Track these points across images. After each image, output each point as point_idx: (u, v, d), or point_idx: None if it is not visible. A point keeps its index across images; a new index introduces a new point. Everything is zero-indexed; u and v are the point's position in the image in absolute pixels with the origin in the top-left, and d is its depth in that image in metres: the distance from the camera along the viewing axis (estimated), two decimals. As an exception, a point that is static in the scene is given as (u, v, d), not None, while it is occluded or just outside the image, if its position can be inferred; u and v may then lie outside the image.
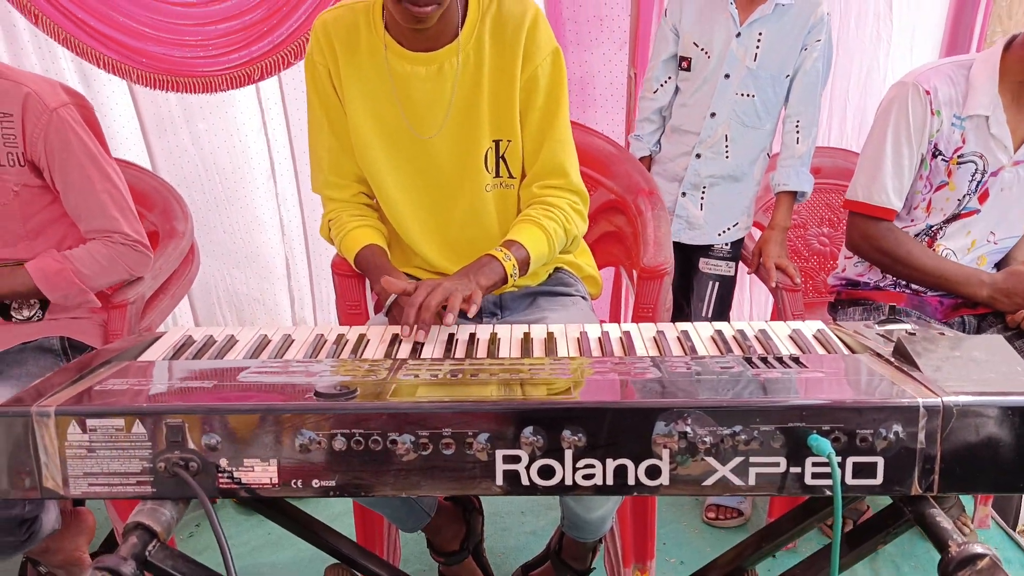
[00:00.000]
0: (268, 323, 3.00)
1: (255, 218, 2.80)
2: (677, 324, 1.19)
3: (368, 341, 1.20)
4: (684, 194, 2.05)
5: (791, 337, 1.12)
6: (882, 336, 1.06)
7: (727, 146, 1.97)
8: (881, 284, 1.80)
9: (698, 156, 2.00)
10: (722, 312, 2.12)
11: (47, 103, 1.50)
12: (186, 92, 2.27)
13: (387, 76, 1.38)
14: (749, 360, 0.98)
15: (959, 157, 1.65)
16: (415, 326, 1.18)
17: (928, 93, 1.62)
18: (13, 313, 1.60)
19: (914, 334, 1.03)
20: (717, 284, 2.08)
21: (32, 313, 1.62)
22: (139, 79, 2.26)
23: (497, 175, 1.44)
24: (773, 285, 1.99)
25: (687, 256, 2.07)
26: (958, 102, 1.63)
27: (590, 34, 2.24)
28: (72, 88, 1.61)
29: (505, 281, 1.34)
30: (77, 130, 1.54)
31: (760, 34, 1.89)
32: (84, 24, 2.16)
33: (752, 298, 2.66)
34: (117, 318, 1.70)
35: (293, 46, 2.18)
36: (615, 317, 2.50)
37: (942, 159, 1.66)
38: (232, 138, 2.64)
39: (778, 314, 2.01)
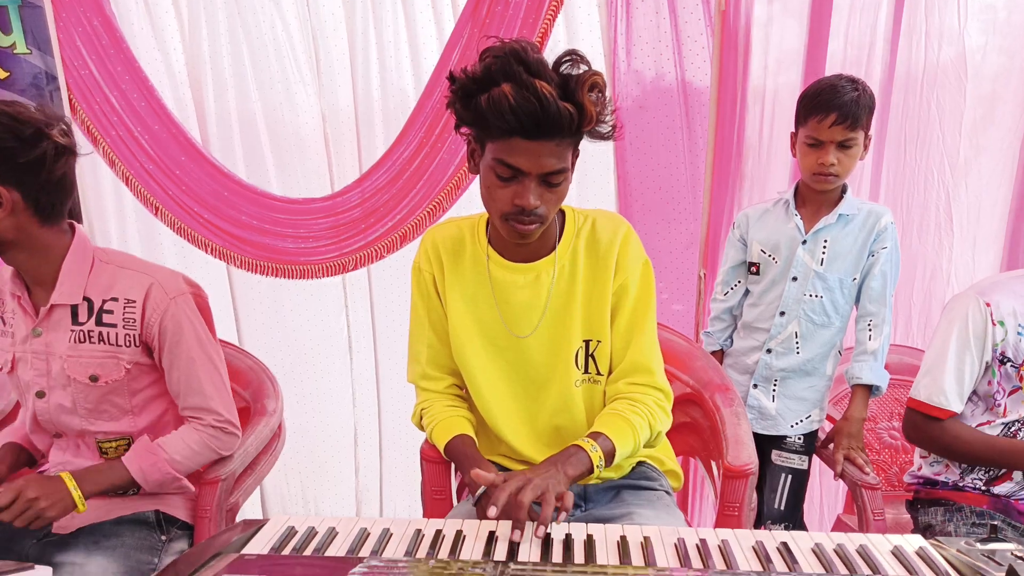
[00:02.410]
0: (330, 490, 3.01)
1: (327, 391, 2.88)
2: (775, 533, 1.17)
3: (465, 538, 1.20)
4: (756, 386, 2.06)
5: (893, 554, 1.09)
6: (989, 558, 1.04)
7: (797, 342, 2.00)
8: (960, 484, 1.76)
9: (769, 351, 2.03)
10: (795, 505, 2.06)
11: (168, 292, 1.60)
12: (281, 277, 2.41)
13: (487, 282, 1.47)
14: (858, 581, 0.96)
15: None
16: (513, 527, 1.18)
17: (988, 305, 1.67)
18: (110, 487, 1.65)
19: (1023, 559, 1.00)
20: (790, 477, 2.04)
21: (129, 489, 1.66)
22: (240, 264, 2.42)
23: (586, 371, 1.49)
24: (837, 472, 1.95)
25: (759, 446, 2.02)
26: (1021, 313, 1.67)
27: (659, 234, 2.36)
28: (192, 279, 1.72)
29: (591, 471, 1.34)
30: (190, 316, 1.64)
31: (825, 241, 1.96)
32: (198, 216, 2.34)
33: (823, 489, 2.59)
34: (207, 494, 1.71)
35: (386, 242, 2.33)
36: (683, 503, 2.46)
37: (1011, 365, 1.68)
38: (315, 316, 2.77)
39: (853, 508, 1.96)
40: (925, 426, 1.75)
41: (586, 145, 1.35)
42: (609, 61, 2.37)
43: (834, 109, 1.82)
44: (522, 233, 1.34)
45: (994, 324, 1.66)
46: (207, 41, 2.45)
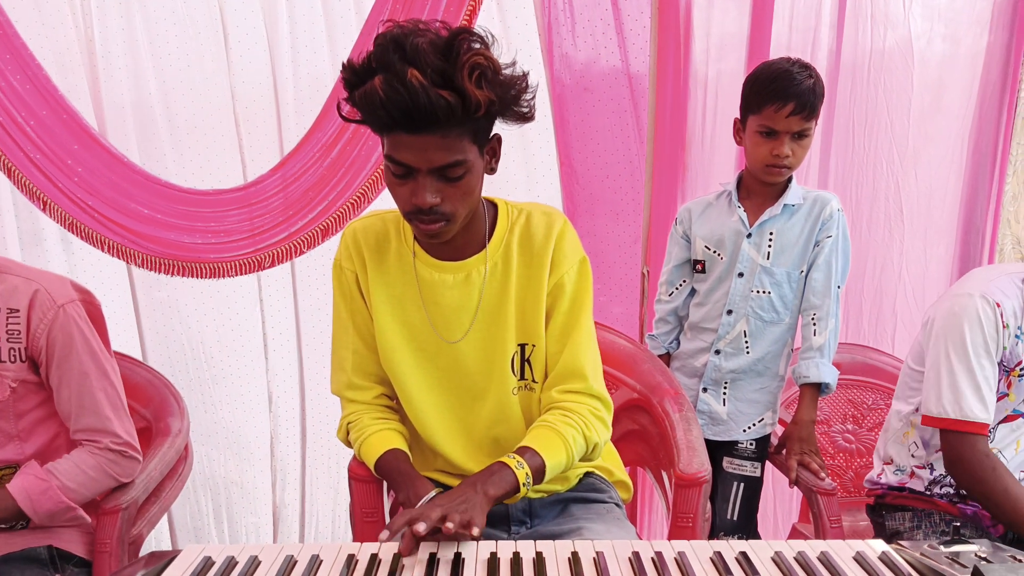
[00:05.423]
0: (245, 508, 2.93)
1: (239, 396, 2.79)
2: (733, 543, 1.19)
3: (403, 563, 1.18)
4: (705, 389, 2.09)
5: (856, 560, 1.12)
6: (953, 560, 1.08)
7: (747, 341, 2.04)
8: (928, 494, 1.79)
9: (717, 352, 2.07)
10: (749, 515, 2.10)
11: (56, 298, 1.55)
12: (192, 277, 2.34)
13: (414, 282, 1.45)
14: (822, 591, 0.98)
15: (1020, 370, 1.69)
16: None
17: (999, 306, 1.65)
18: (-4, 522, 1.57)
19: (987, 560, 1.04)
20: (742, 485, 2.08)
21: (16, 522, 1.58)
22: (143, 263, 2.34)
23: (522, 378, 1.48)
24: (792, 478, 2.00)
25: (710, 454, 2.07)
26: (1019, 315, 1.67)
27: (606, 227, 2.37)
28: (82, 285, 1.66)
29: (517, 490, 1.33)
30: (81, 325, 1.58)
31: (771, 233, 2.00)
32: (93, 211, 2.25)
33: (776, 497, 2.65)
34: (107, 526, 1.65)
35: (306, 235, 2.28)
36: (632, 516, 2.48)
37: (1003, 368, 1.69)
38: (223, 315, 2.68)
39: (808, 517, 2.01)
40: (972, 457, 1.65)
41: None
42: (544, 42, 2.37)
43: (792, 98, 1.85)
44: (427, 233, 1.32)
45: (1004, 326, 1.65)
46: (96, 14, 2.35)
